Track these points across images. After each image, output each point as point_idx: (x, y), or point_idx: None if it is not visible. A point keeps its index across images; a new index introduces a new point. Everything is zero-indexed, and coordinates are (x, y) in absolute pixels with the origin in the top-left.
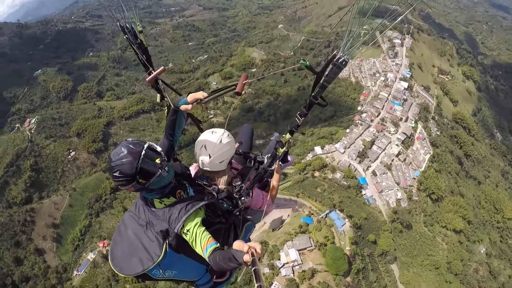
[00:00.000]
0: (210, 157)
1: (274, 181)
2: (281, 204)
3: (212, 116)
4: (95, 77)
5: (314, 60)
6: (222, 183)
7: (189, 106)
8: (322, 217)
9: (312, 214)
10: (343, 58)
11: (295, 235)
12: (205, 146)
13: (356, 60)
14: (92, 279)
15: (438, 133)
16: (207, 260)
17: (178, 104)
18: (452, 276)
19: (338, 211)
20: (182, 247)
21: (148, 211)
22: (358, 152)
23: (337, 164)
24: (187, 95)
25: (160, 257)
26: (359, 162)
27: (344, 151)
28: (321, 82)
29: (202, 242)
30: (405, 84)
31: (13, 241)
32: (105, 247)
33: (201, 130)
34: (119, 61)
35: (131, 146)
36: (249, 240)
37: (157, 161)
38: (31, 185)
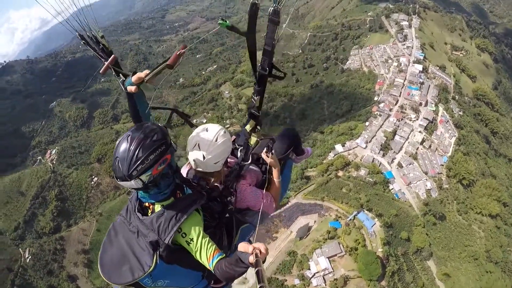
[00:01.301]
0: (204, 157)
1: (273, 177)
2: (307, 210)
3: (228, 125)
4: (109, 102)
5: (323, 55)
6: (215, 183)
7: (133, 88)
8: (350, 219)
9: (340, 217)
10: (272, 8)
11: (324, 242)
12: (198, 145)
13: (366, 49)
14: None
15: (461, 113)
16: (212, 271)
17: (126, 84)
18: (492, 266)
19: (366, 211)
20: (174, 258)
21: (137, 219)
22: (381, 145)
23: (360, 160)
24: (132, 75)
25: (151, 268)
26: (383, 156)
27: (366, 146)
28: (265, 47)
29: (208, 253)
30: (420, 67)
31: (46, 270)
32: None
33: (192, 126)
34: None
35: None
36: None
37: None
38: (58, 215)
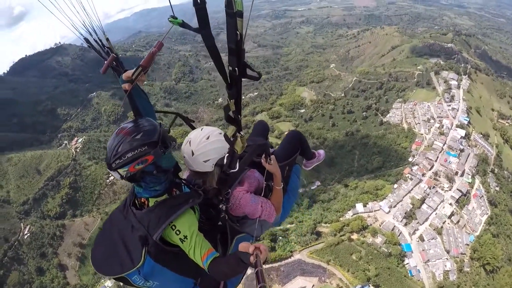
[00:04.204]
0: (193, 154)
1: (274, 184)
2: (307, 270)
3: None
4: None
5: (364, 102)
6: (210, 185)
7: (126, 85)
8: None
9: (341, 287)
10: None
11: None
12: (189, 142)
13: (410, 104)
14: None
15: (498, 189)
16: (206, 270)
17: (120, 82)
18: None
19: (372, 287)
20: (163, 258)
21: (131, 212)
22: (405, 213)
23: (380, 226)
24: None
25: (140, 263)
26: (405, 224)
27: (389, 211)
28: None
29: (202, 252)
30: (462, 132)
31: (40, 251)
32: None
33: (191, 122)
34: (170, 92)
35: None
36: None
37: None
38: (67, 202)
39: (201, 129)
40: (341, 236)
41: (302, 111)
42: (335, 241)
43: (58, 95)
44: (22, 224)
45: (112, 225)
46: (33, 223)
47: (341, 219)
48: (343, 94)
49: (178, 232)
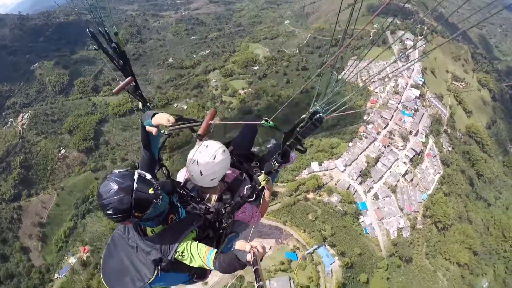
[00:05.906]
0: (201, 174)
1: (265, 197)
2: (265, 232)
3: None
4: (92, 72)
5: (319, 59)
6: (212, 199)
7: (154, 130)
8: (308, 253)
9: (298, 248)
10: (319, 115)
11: (275, 274)
12: (197, 162)
13: (365, 61)
14: (71, 285)
15: (450, 149)
16: (213, 268)
17: (144, 123)
18: None
19: (328, 247)
20: (173, 268)
21: (138, 238)
22: (360, 171)
23: (335, 184)
24: (153, 115)
25: (151, 279)
26: (360, 183)
27: (345, 169)
28: (295, 135)
29: (201, 255)
30: (417, 92)
31: (0, 238)
32: (85, 253)
33: (193, 131)
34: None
35: (120, 180)
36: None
37: (151, 191)
38: (20, 182)
39: (206, 147)
40: (297, 195)
41: (256, 68)
42: (291, 201)
43: None
44: None
45: (115, 246)
46: None
47: (296, 178)
48: (297, 51)
49: (177, 252)
